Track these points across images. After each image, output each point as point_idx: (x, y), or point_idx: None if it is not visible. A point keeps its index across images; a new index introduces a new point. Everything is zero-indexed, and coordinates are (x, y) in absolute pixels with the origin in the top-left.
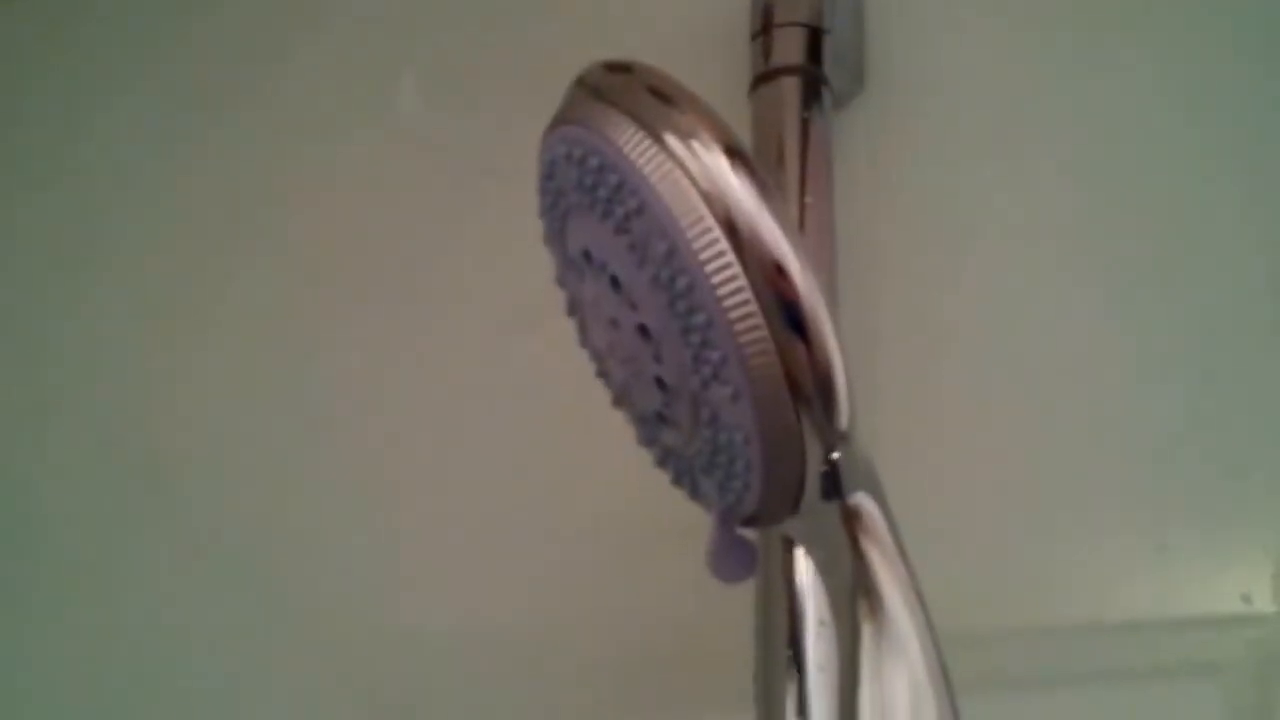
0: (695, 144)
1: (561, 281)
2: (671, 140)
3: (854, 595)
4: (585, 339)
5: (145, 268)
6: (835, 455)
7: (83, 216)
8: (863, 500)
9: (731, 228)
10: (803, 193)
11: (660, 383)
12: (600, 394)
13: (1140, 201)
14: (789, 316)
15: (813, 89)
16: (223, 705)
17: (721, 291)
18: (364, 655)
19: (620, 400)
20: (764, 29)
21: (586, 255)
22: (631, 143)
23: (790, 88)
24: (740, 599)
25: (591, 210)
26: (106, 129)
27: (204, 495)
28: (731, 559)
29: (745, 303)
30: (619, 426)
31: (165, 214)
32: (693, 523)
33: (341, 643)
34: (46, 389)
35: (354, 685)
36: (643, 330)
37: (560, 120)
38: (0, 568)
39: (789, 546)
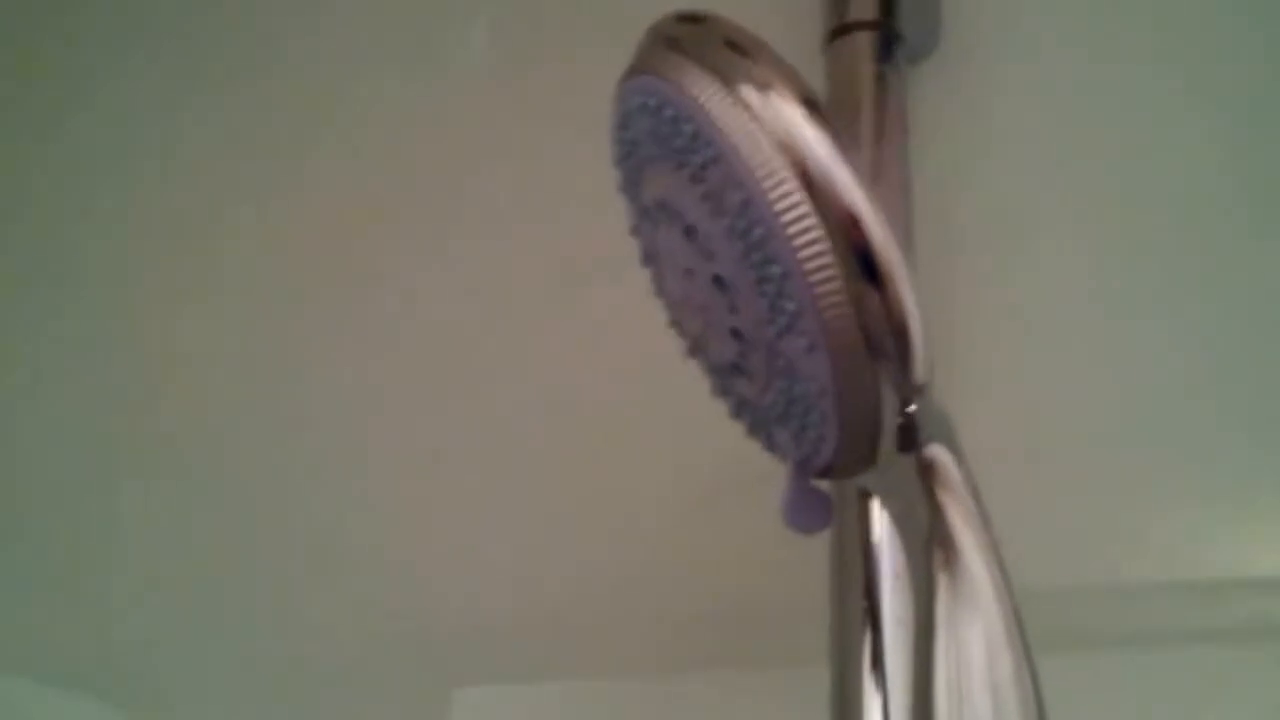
0: (770, 95)
1: (636, 231)
2: (747, 91)
3: (929, 548)
4: (660, 289)
5: (198, 186)
6: (911, 407)
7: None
8: (939, 453)
9: (807, 178)
10: (877, 145)
11: (735, 333)
12: (674, 344)
13: (1223, 173)
14: (865, 267)
15: (887, 44)
16: None
17: (797, 243)
18: (432, 605)
19: (695, 351)
20: None
21: (662, 205)
22: (707, 94)
23: (864, 42)
24: (815, 550)
25: (666, 160)
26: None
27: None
28: (807, 510)
29: (821, 254)
30: (695, 377)
31: (236, 131)
32: (768, 472)
33: (414, 595)
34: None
35: (428, 635)
36: (718, 281)
37: (635, 70)
38: None
39: (865, 498)
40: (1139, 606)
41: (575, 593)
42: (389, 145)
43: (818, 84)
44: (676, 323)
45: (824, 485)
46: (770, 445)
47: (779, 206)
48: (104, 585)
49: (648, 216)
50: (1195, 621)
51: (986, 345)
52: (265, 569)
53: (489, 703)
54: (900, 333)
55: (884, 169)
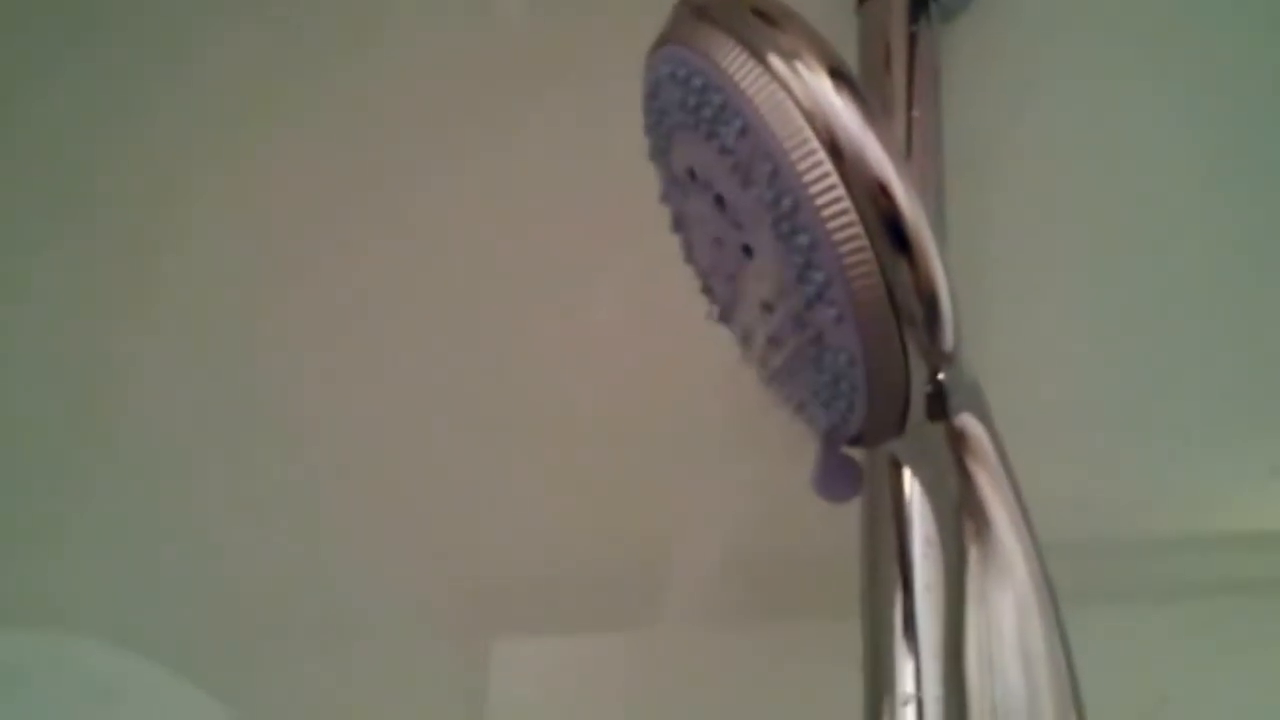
0: (799, 65)
1: (666, 198)
2: (775, 61)
3: (960, 516)
4: (689, 256)
5: (193, 140)
6: (941, 376)
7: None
8: (968, 421)
9: (835, 149)
10: (909, 107)
11: (764, 303)
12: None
13: (1259, 126)
14: (893, 238)
15: (920, 3)
16: None
17: (826, 213)
18: (472, 558)
19: (724, 317)
20: None
21: (691, 174)
22: (735, 64)
23: (897, 2)
24: (848, 508)
25: (696, 130)
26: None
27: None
28: (837, 479)
29: (849, 225)
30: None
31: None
32: (802, 429)
33: (454, 548)
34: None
35: (462, 586)
36: (747, 250)
37: (665, 39)
38: None
39: (896, 466)
40: (1163, 559)
41: (605, 544)
42: (411, 99)
43: (850, 45)
44: (707, 289)
45: (854, 454)
46: (800, 414)
47: (807, 177)
48: (141, 530)
49: (677, 185)
50: (1219, 574)
51: (1016, 306)
52: (303, 522)
53: (528, 655)
54: (929, 302)
55: (917, 128)
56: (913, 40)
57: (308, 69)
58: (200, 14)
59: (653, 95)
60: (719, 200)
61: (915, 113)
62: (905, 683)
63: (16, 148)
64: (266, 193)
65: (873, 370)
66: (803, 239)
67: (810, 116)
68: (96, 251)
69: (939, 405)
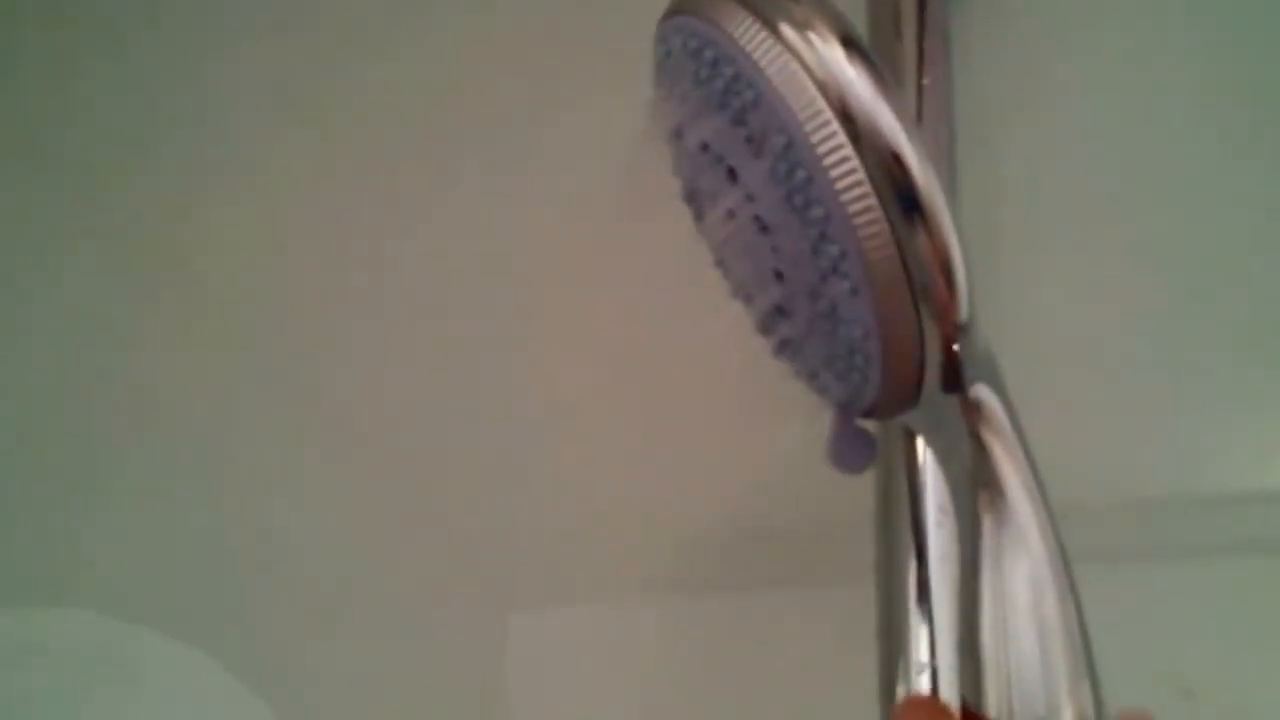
0: (811, 35)
1: (678, 171)
2: (787, 31)
3: (974, 486)
4: (701, 230)
5: (210, 144)
6: (955, 347)
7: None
8: (983, 392)
9: (848, 119)
10: (920, 74)
11: (778, 275)
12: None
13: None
14: (907, 209)
15: None
16: None
17: (840, 185)
18: (488, 534)
19: (738, 292)
20: None
21: (703, 146)
22: (747, 35)
23: None
24: (862, 478)
25: (708, 102)
26: None
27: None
28: (851, 450)
29: (863, 196)
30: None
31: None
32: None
33: (469, 525)
34: None
35: (477, 561)
36: (760, 222)
37: (675, 10)
38: None
39: (910, 436)
40: (1167, 520)
41: (622, 511)
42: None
43: (860, 14)
44: (720, 264)
45: (869, 425)
46: (814, 385)
47: (821, 149)
48: (130, 510)
49: (689, 157)
50: (1222, 535)
51: (1028, 275)
52: (318, 495)
53: (545, 626)
54: (944, 274)
55: (928, 96)
56: (922, 7)
57: (323, 73)
58: (216, 19)
59: (663, 67)
60: (732, 173)
61: (926, 81)
62: (920, 651)
63: (39, 153)
64: (284, 192)
65: (887, 342)
66: (817, 211)
67: (823, 87)
68: (122, 251)
69: (953, 376)
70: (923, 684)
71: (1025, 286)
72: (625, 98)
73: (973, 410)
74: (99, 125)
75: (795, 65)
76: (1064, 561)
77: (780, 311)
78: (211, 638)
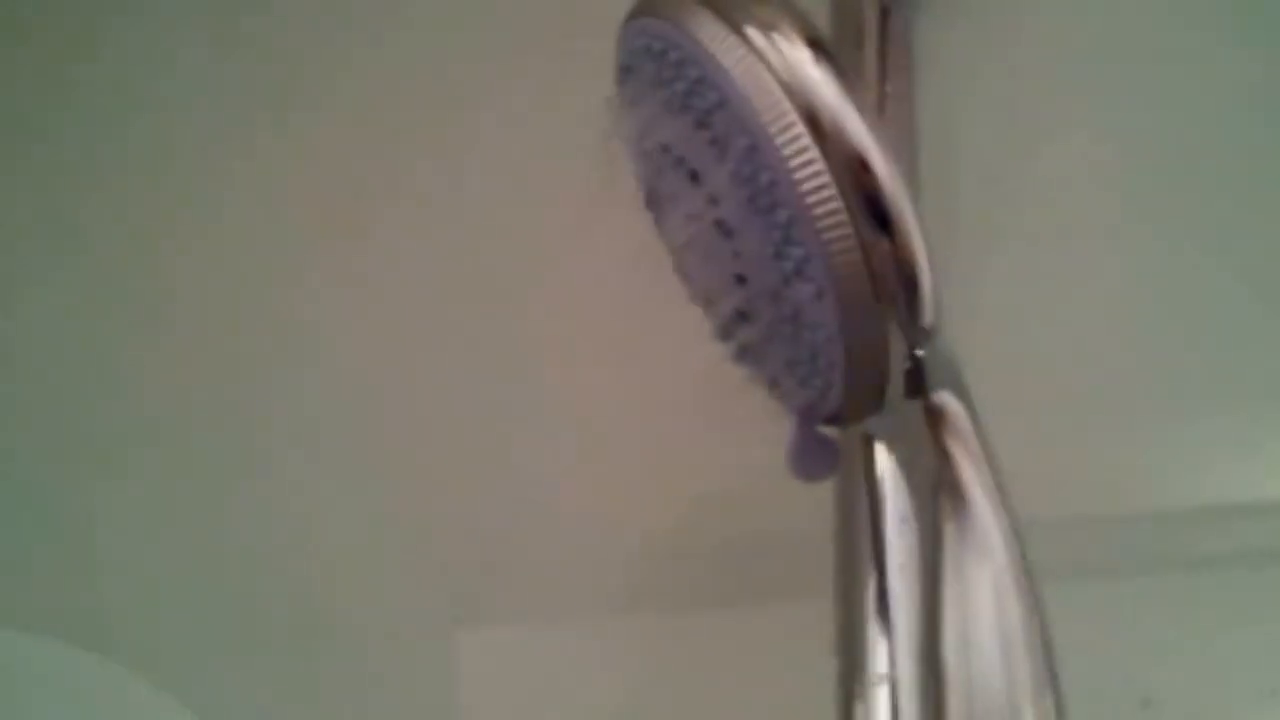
0: (776, 36)
1: (639, 174)
2: (752, 33)
3: (936, 494)
4: (661, 234)
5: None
6: (919, 352)
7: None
8: (947, 399)
9: (814, 121)
10: (882, 81)
11: (740, 279)
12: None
13: (1246, 98)
14: (873, 212)
15: None
16: None
17: (805, 188)
18: (442, 547)
19: (698, 297)
20: None
21: (664, 149)
22: (711, 36)
23: None
24: (820, 486)
25: (671, 104)
26: None
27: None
28: (812, 458)
29: (829, 199)
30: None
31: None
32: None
33: (425, 537)
34: None
35: (429, 575)
36: (722, 226)
37: (639, 11)
38: None
39: (869, 442)
40: (1142, 534)
41: (574, 523)
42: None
43: (823, 18)
44: (680, 269)
45: (830, 432)
46: (775, 392)
47: (786, 151)
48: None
49: (649, 160)
50: (1200, 548)
51: (989, 279)
52: (256, 502)
53: (498, 643)
54: (909, 277)
55: (890, 103)
56: (885, 14)
57: (311, 65)
58: (199, 13)
59: (626, 69)
60: (694, 175)
61: (888, 88)
62: (879, 663)
63: (27, 150)
64: (271, 189)
65: (851, 347)
66: (781, 214)
67: (789, 89)
68: (106, 253)
69: (917, 382)
70: (881, 697)
71: (987, 294)
72: (594, 98)
73: (936, 416)
74: (74, 122)
75: (760, 67)
76: (1027, 570)
77: (742, 316)
78: (148, 661)
